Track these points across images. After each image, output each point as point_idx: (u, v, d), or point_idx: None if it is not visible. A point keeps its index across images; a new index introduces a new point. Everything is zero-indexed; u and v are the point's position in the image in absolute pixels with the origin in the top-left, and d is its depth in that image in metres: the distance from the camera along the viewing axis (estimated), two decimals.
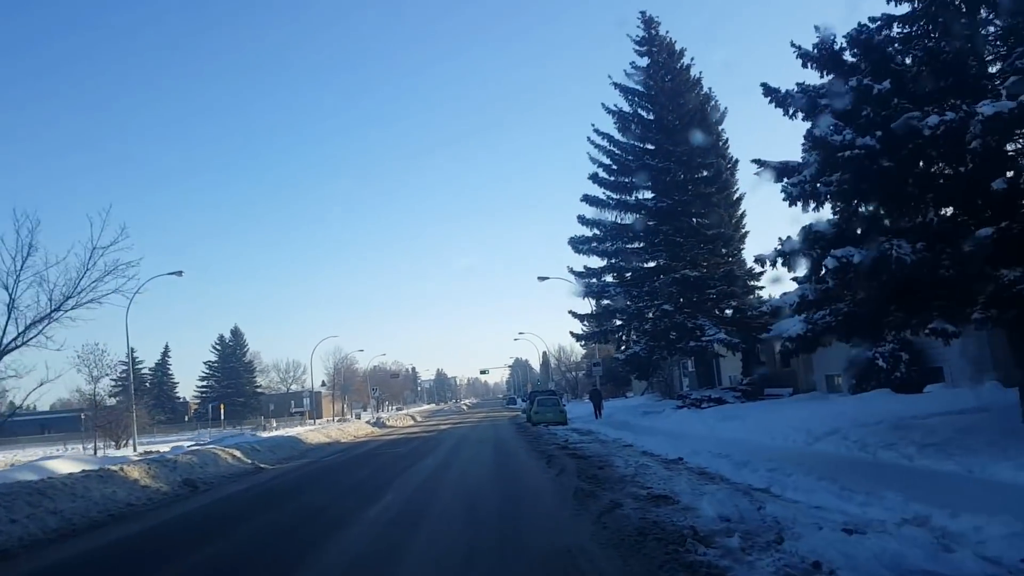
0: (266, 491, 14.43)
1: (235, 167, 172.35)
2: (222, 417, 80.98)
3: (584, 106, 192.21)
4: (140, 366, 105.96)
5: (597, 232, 32.79)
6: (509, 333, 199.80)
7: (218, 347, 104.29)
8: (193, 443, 32.11)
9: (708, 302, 31.20)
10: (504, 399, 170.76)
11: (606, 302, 32.82)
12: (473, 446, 24.37)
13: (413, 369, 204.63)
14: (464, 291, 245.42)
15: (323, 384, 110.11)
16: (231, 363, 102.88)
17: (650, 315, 30.94)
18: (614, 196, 32.78)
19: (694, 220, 31.13)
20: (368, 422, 54.57)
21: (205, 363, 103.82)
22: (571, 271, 33.16)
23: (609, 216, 32.75)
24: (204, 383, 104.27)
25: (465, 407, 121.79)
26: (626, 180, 33.04)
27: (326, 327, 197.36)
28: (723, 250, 31.86)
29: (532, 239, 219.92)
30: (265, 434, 33.55)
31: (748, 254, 32.39)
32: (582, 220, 32.73)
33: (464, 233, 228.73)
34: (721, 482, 11.58)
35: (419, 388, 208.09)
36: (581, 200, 32.90)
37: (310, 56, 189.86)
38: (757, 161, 13.62)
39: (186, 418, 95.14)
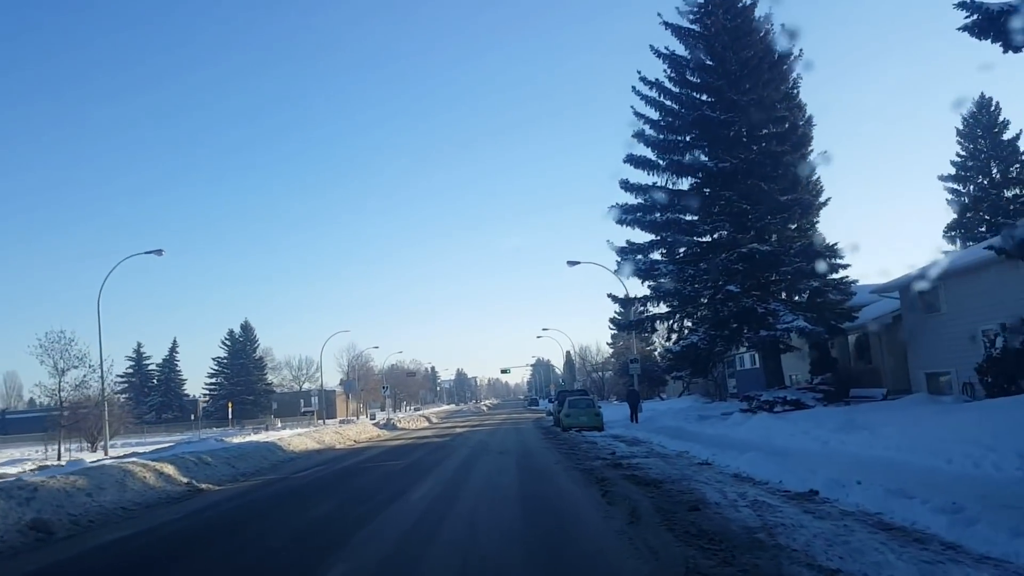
0: (143, 546, 8.98)
1: (253, 162, 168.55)
2: (229, 416, 76.38)
3: (605, 98, 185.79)
4: (148, 362, 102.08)
5: (643, 200, 27.16)
6: (531, 332, 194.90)
7: (227, 343, 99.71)
8: (170, 445, 27.03)
9: (781, 283, 25.48)
10: (525, 400, 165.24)
11: (652, 284, 27.11)
12: (492, 459, 18.90)
13: (432, 369, 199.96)
14: (486, 289, 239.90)
15: (341, 383, 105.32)
16: (241, 359, 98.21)
17: (706, 299, 25.33)
18: (664, 157, 27.15)
19: (762, 184, 25.45)
20: (378, 423, 49.32)
21: (214, 359, 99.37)
22: (612, 246, 27.60)
23: (658, 181, 27.15)
24: (213, 380, 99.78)
25: (485, 408, 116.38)
26: (679, 138, 27.37)
27: (342, 324, 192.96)
28: (799, 220, 26.07)
29: (556, 238, 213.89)
30: (239, 439, 28.19)
31: (827, 226, 26.55)
32: (625, 185, 27.14)
33: (489, 233, 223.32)
34: (957, 555, 6.10)
35: (438, 388, 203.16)
36: (625, 161, 27.37)
37: (348, 46, 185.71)
38: None
39: (192, 416, 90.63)
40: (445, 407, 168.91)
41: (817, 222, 26.98)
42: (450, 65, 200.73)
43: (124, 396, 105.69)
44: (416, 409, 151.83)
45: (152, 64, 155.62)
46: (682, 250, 26.61)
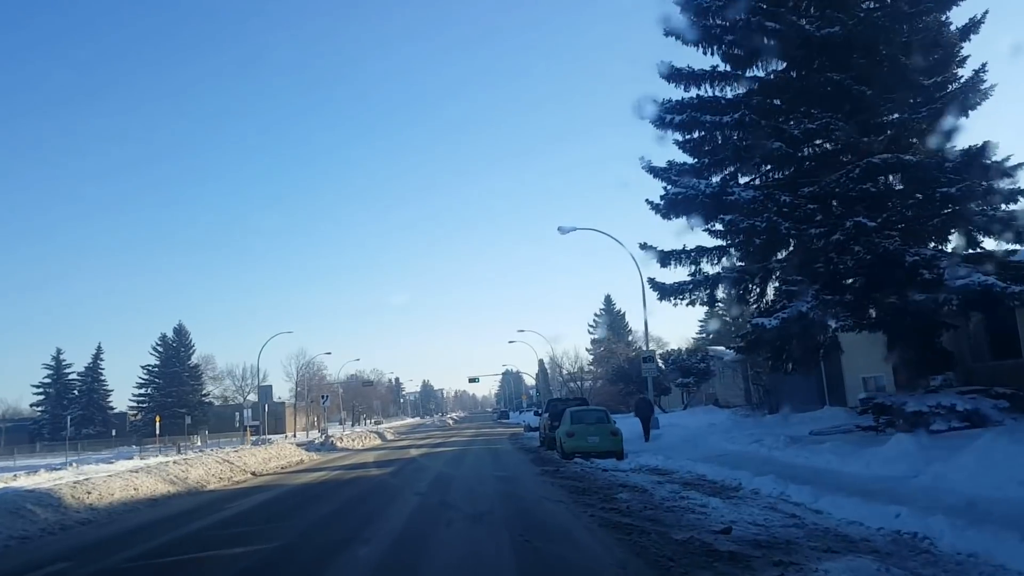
0: None
1: (203, 152, 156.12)
2: (157, 431, 64.96)
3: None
4: (68, 371, 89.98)
5: (693, 96, 17.20)
6: (500, 339, 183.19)
7: (159, 349, 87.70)
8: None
9: (936, 216, 15.56)
10: (494, 413, 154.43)
11: (713, 223, 17.01)
12: (453, 531, 8.71)
13: (396, 380, 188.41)
14: (451, 297, 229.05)
15: (294, 392, 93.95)
16: (174, 367, 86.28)
17: (817, 240, 15.33)
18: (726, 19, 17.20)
19: (883, 50, 15.74)
20: (311, 443, 38.66)
21: (144, 368, 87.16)
22: (646, 166, 17.43)
23: (719, 66, 17.17)
24: (141, 391, 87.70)
25: (451, 422, 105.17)
26: None
27: (296, 332, 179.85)
28: (951, 116, 16.11)
29: (527, 238, 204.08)
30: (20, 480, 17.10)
31: (990, 130, 16.58)
32: (670, 73, 17.17)
33: (450, 238, 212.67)
34: None
35: (402, 400, 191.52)
36: (666, 34, 17.36)
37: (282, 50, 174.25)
38: None
39: (114, 432, 78.61)
40: (408, 420, 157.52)
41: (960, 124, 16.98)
42: (393, 48, 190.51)
43: (39, 409, 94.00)
44: (377, 423, 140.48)
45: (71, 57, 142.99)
46: (767, 168, 16.53)
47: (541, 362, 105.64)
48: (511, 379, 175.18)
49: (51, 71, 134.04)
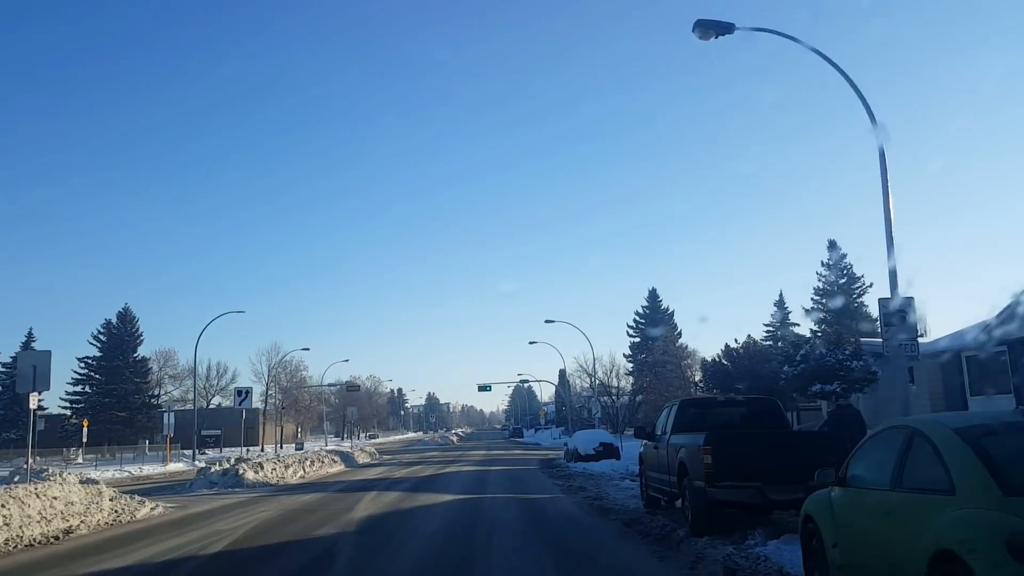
0: None
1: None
2: (83, 439, 48.72)
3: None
4: None
5: None
6: (514, 351, 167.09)
7: (102, 337, 71.27)
8: None
9: None
10: (504, 430, 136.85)
11: None
12: None
13: (399, 391, 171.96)
14: (460, 303, 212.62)
15: (264, 397, 77.11)
16: (115, 361, 69.81)
17: None
18: None
19: None
20: (205, 474, 22.20)
21: (81, 360, 70.71)
22: None
23: None
24: (77, 389, 71.31)
25: (455, 439, 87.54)
26: None
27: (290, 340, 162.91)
28: None
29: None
30: None
31: None
32: None
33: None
34: None
35: (403, 413, 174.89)
36: None
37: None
38: None
39: (30, 438, 62.20)
40: (409, 435, 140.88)
41: None
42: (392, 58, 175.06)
43: None
44: (371, 437, 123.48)
45: None
46: None
47: (562, 372, 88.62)
48: (522, 394, 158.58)
49: None
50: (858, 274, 49.86)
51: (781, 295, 65.42)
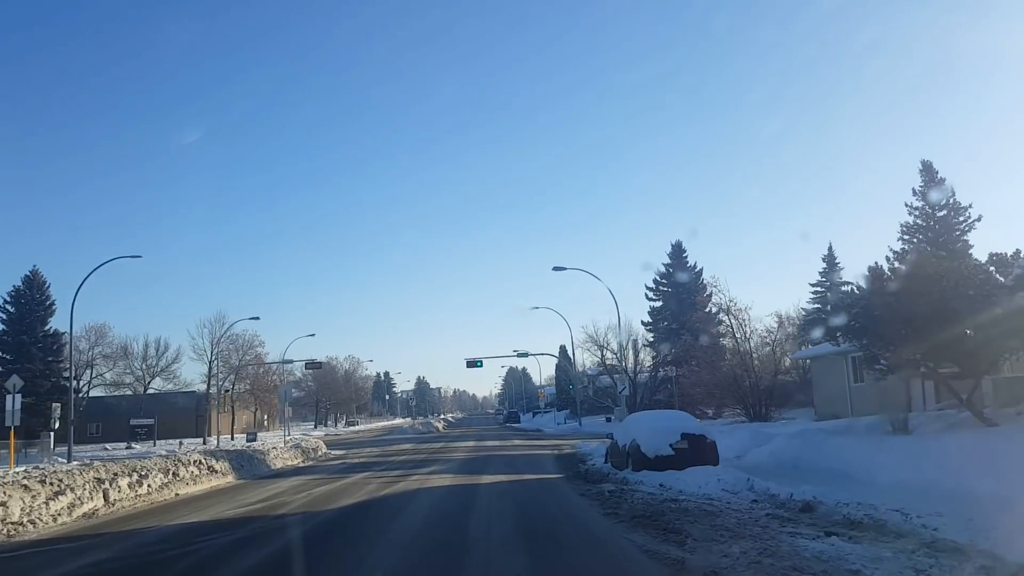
0: None
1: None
2: None
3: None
4: None
5: None
6: (504, 335, 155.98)
7: (10, 307, 58.31)
8: None
9: None
10: (498, 415, 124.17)
11: None
12: None
13: (386, 375, 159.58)
14: (452, 278, 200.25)
15: (207, 379, 63.57)
16: (22, 335, 56.89)
17: None
18: None
19: None
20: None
21: None
22: None
23: None
24: None
25: (439, 427, 74.15)
26: None
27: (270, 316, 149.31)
28: None
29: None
30: None
31: None
32: None
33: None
34: None
35: (387, 397, 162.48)
36: None
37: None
38: None
39: None
40: (396, 421, 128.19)
41: None
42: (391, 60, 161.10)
43: None
44: (350, 424, 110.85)
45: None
46: None
47: (562, 348, 76.26)
48: (516, 377, 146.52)
49: None
50: (964, 204, 37.27)
51: (830, 248, 53.99)
